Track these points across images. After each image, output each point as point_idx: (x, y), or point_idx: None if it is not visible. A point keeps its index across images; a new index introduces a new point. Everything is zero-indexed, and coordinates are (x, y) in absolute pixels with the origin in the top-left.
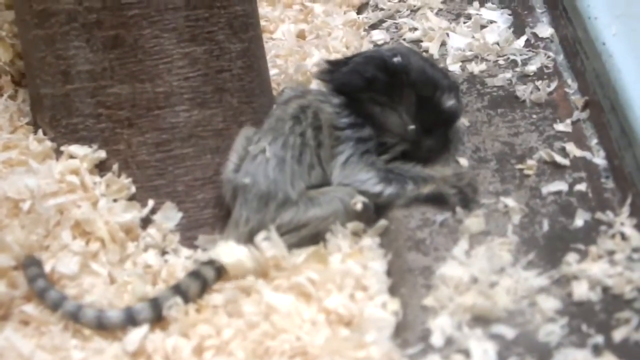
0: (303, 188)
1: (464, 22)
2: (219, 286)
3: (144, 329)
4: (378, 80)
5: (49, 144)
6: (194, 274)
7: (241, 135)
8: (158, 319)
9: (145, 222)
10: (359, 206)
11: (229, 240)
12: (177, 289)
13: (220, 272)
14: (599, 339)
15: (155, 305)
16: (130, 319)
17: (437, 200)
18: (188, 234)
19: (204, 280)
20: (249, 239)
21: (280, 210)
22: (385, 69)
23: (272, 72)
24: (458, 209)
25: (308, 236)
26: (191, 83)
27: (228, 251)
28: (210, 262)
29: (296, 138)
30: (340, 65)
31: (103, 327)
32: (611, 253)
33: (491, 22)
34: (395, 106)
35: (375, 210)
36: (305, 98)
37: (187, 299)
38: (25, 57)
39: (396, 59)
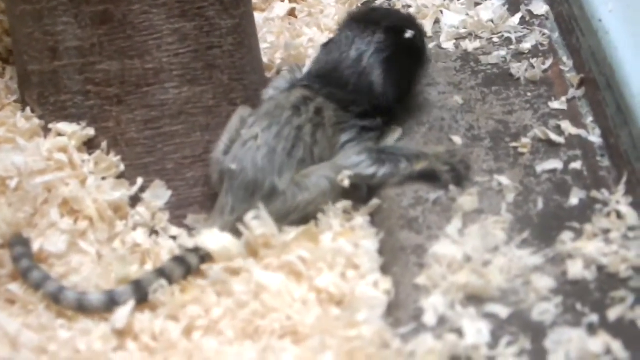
0: (290, 179)
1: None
2: (207, 266)
3: (129, 305)
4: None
5: (37, 121)
6: (179, 260)
7: (236, 115)
8: (141, 302)
9: (134, 200)
10: (346, 182)
11: (213, 227)
12: (161, 273)
13: (205, 259)
14: (594, 318)
15: (138, 288)
16: (112, 302)
17: (430, 178)
18: (177, 213)
19: (188, 266)
20: (234, 227)
21: (267, 202)
22: (410, 52)
23: (263, 46)
24: (451, 187)
25: (298, 219)
26: (181, 59)
27: (213, 238)
28: (195, 250)
29: (292, 130)
30: (345, 79)
31: (84, 309)
32: (606, 232)
33: None
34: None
35: (368, 190)
36: (312, 90)
37: (170, 283)
38: (12, 34)
39: (408, 34)
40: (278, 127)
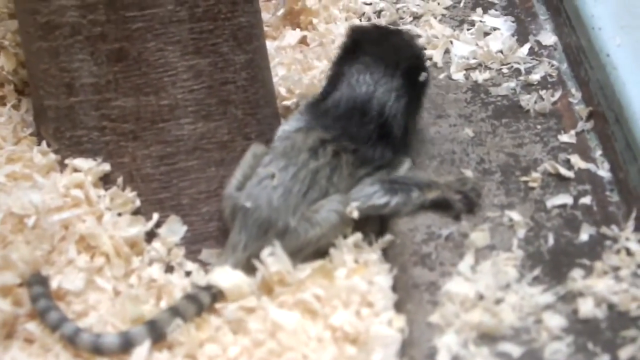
0: (300, 215)
1: (468, 29)
2: (222, 304)
3: (146, 346)
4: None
5: (53, 156)
6: (191, 298)
7: (249, 151)
8: (156, 342)
9: (150, 235)
10: (355, 214)
11: (226, 264)
12: (175, 312)
13: (216, 297)
14: (606, 358)
15: (153, 328)
16: (127, 344)
17: (442, 206)
18: (193, 248)
19: (200, 305)
20: (246, 264)
21: (279, 239)
22: (421, 91)
23: (275, 79)
24: (463, 222)
25: (310, 254)
26: (195, 95)
27: (225, 276)
28: (207, 288)
29: (308, 173)
30: (365, 132)
31: (99, 352)
32: (616, 269)
33: (494, 29)
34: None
35: (381, 221)
36: (329, 132)
37: (183, 322)
38: (28, 68)
39: (422, 77)
40: (295, 169)
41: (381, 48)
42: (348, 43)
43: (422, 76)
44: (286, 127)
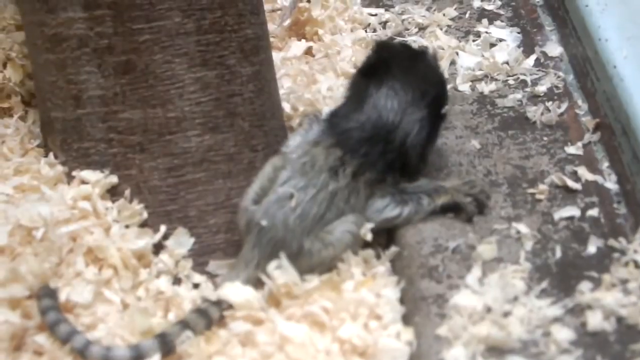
0: (315, 236)
1: (473, 40)
2: (230, 313)
3: (156, 357)
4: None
5: (60, 168)
6: (201, 312)
7: (269, 164)
8: (166, 355)
9: (158, 247)
10: (369, 237)
11: (237, 279)
12: (185, 325)
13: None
14: None
15: (163, 341)
16: (138, 357)
17: (454, 209)
18: (200, 260)
19: (210, 319)
20: (257, 281)
21: (293, 260)
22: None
23: (281, 92)
24: (470, 235)
25: (321, 272)
26: (203, 108)
27: (235, 291)
28: (218, 303)
29: (327, 195)
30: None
31: None
32: (624, 282)
33: (500, 40)
34: None
35: (387, 233)
36: (350, 153)
37: (193, 334)
38: (35, 80)
39: (444, 110)
40: (314, 191)
41: (410, 73)
42: (374, 59)
43: (444, 109)
44: (303, 138)
